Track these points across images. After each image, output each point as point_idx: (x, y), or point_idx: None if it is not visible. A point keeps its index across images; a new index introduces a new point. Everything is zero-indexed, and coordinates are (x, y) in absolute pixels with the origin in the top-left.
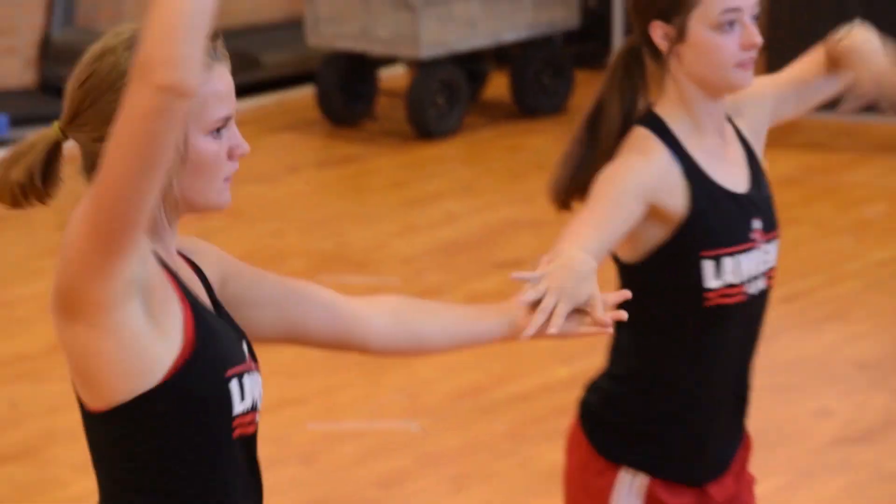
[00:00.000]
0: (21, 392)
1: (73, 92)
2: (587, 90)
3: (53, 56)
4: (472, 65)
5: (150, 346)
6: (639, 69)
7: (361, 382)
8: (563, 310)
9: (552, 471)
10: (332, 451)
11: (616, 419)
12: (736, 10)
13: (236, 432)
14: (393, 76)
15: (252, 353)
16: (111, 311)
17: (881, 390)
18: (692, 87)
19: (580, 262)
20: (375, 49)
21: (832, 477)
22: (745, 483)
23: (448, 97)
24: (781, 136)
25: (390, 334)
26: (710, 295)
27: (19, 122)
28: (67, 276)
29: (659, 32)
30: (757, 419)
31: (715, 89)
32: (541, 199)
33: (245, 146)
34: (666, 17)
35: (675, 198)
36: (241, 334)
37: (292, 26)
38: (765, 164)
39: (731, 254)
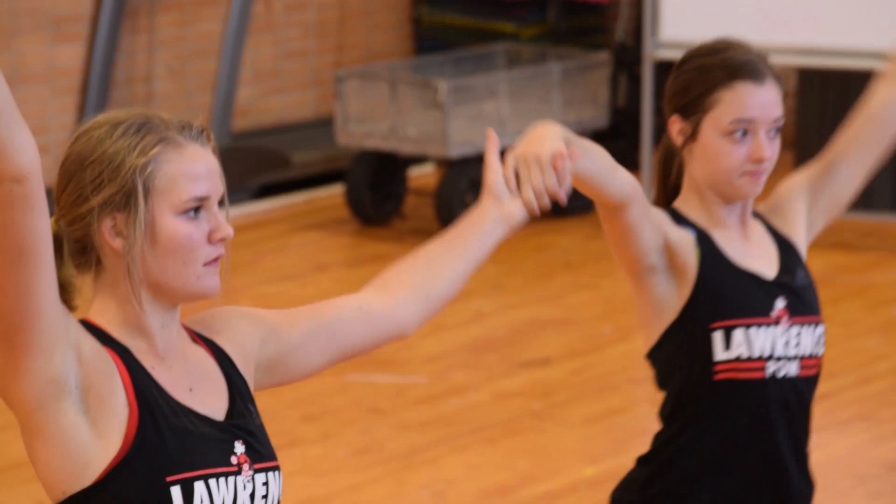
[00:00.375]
0: None
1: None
2: None
3: None
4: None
5: (85, 446)
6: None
7: (388, 480)
8: (537, 176)
9: None
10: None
11: (646, 499)
12: (749, 121)
13: None
14: (422, 175)
15: (260, 452)
16: (37, 411)
17: None
18: (704, 185)
19: (547, 126)
20: (405, 148)
21: None
22: None
23: (477, 195)
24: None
25: (418, 311)
26: (720, 368)
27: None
28: None
29: (676, 127)
30: None
31: (721, 193)
32: (568, 297)
33: (227, 230)
34: (684, 114)
35: (689, 256)
36: (234, 436)
37: (322, 125)
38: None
39: (744, 325)
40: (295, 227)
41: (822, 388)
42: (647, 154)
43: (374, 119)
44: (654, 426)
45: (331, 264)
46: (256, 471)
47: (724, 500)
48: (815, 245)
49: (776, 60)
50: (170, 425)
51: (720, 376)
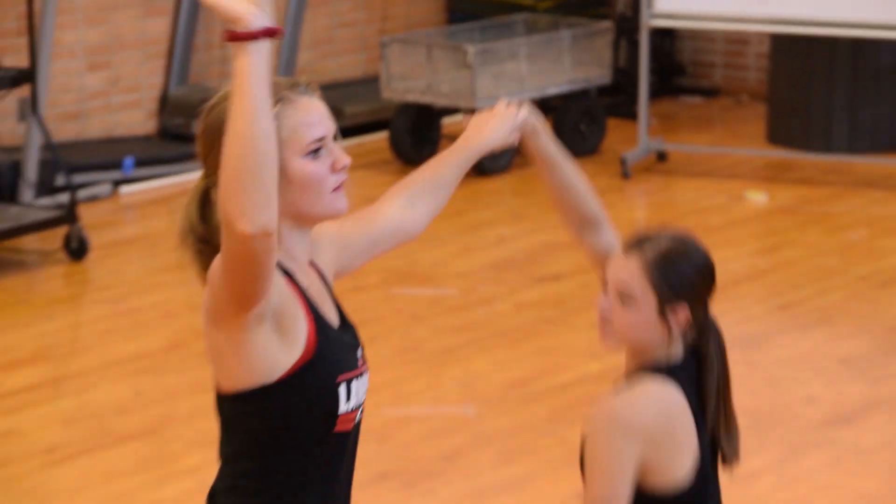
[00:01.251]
0: (144, 383)
1: (197, 147)
2: (617, 134)
3: (170, 109)
4: None
5: (273, 352)
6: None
7: (426, 375)
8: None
9: None
10: (402, 431)
11: None
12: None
13: (336, 428)
14: (454, 123)
15: (363, 357)
16: (246, 330)
17: (859, 381)
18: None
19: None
20: (439, 101)
21: (818, 452)
22: None
23: None
24: (779, 172)
25: (420, 219)
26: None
27: (142, 163)
28: (214, 308)
29: None
30: (756, 405)
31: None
32: None
33: (345, 159)
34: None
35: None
36: (358, 343)
37: (370, 83)
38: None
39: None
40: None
41: (788, 299)
42: (644, 106)
43: (413, 77)
44: None
45: (377, 197)
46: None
47: None
48: (784, 180)
49: (753, 28)
50: (332, 334)
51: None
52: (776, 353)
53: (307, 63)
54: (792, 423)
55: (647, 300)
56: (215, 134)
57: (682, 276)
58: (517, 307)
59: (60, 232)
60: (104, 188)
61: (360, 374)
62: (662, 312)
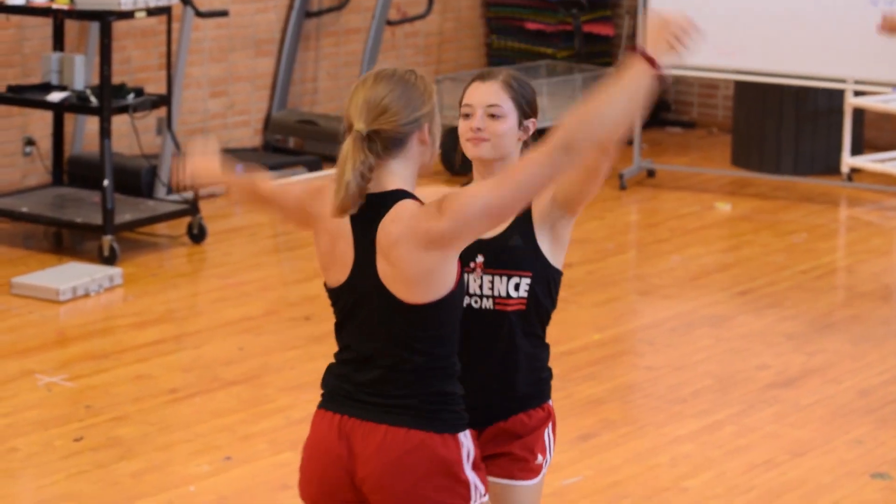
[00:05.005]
0: (245, 341)
1: (378, 101)
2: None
3: (272, 128)
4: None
5: (450, 272)
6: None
7: None
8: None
9: (587, 401)
10: None
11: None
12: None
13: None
14: None
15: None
16: (454, 250)
17: (800, 353)
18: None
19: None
20: None
21: (768, 407)
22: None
23: None
24: (740, 188)
25: None
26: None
27: (248, 169)
28: (452, 229)
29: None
30: (720, 370)
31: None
32: (585, 224)
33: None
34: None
35: None
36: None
37: None
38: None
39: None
40: None
41: (747, 287)
42: (637, 134)
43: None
44: (639, 310)
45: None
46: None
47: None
48: (743, 195)
49: (722, 76)
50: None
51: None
52: (737, 329)
53: None
54: (748, 385)
55: (511, 114)
56: (404, 98)
57: (532, 95)
58: None
59: (185, 221)
60: (220, 188)
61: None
62: (521, 124)
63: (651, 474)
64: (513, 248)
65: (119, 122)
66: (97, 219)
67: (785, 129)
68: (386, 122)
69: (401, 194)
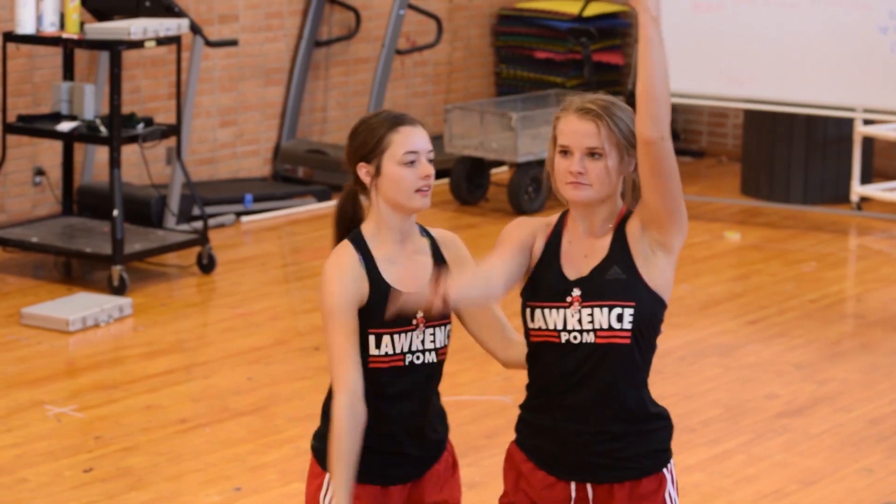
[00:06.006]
0: (255, 371)
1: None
2: None
3: (282, 157)
4: None
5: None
6: (356, 203)
7: (474, 370)
8: None
9: None
10: (454, 413)
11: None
12: (414, 151)
13: None
14: (500, 173)
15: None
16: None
17: (809, 382)
18: (386, 208)
19: None
20: (489, 155)
21: (777, 436)
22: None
23: (535, 188)
24: (750, 217)
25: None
26: (371, 360)
27: (259, 199)
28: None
29: (363, 171)
30: (729, 399)
31: (403, 209)
32: None
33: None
34: (367, 160)
35: (362, 286)
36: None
37: (436, 140)
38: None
39: (388, 333)
40: None
41: (755, 316)
42: None
43: (469, 136)
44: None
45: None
46: None
47: None
48: (752, 224)
49: (731, 105)
50: None
51: (371, 365)
52: (746, 358)
53: None
54: (757, 414)
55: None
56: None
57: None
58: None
59: (195, 251)
60: (229, 218)
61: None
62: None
63: None
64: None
65: (129, 152)
66: (107, 249)
67: (794, 158)
68: None
69: None
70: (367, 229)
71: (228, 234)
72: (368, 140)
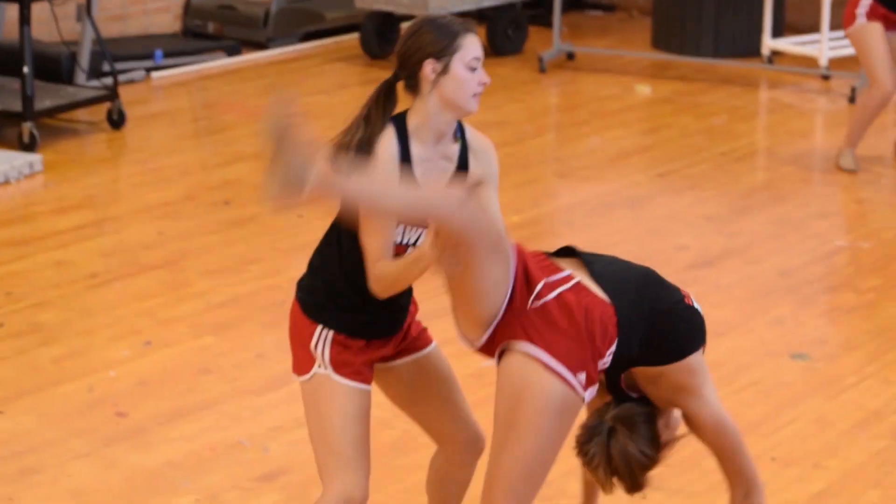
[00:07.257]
0: (165, 225)
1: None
2: (536, 39)
3: (192, 13)
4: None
5: None
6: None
7: None
8: None
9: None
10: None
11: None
12: (479, 58)
13: None
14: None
15: None
16: None
17: (719, 234)
18: (437, 107)
19: None
20: (399, 10)
21: (687, 287)
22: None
23: None
24: (660, 71)
25: None
26: None
27: (169, 54)
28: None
29: (429, 67)
30: (640, 251)
31: (457, 110)
32: (504, 107)
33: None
34: (437, 57)
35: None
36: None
37: None
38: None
39: (404, 225)
40: (327, 60)
41: (665, 169)
42: (557, 17)
43: None
44: (558, 192)
45: (349, 84)
46: None
47: None
48: (663, 77)
49: None
50: None
51: None
52: (656, 210)
53: None
54: (668, 265)
55: None
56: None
57: None
58: None
59: (105, 107)
60: (139, 73)
61: None
62: None
63: None
64: None
65: (39, 9)
66: (17, 105)
67: (706, 12)
68: None
69: None
70: (411, 122)
71: (139, 90)
72: (441, 39)
